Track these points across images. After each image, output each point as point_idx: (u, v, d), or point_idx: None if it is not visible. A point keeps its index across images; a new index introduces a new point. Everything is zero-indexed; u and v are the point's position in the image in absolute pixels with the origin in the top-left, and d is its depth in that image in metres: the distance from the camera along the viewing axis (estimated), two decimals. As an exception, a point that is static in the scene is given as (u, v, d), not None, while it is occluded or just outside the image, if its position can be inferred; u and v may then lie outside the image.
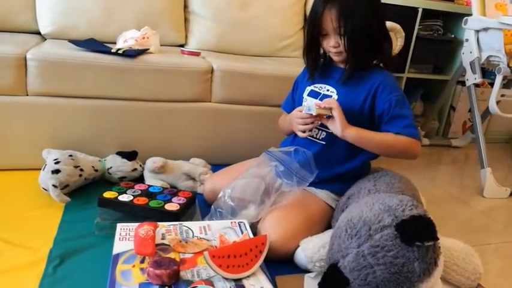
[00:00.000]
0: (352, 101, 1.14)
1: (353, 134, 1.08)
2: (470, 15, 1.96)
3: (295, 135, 1.20)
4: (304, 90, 1.24)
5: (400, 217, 0.85)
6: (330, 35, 1.10)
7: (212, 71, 1.57)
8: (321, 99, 1.16)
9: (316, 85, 1.22)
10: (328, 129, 1.12)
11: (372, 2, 1.10)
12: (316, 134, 1.20)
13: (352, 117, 1.11)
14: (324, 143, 1.18)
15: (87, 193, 1.32)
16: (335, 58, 1.16)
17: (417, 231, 0.82)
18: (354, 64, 1.12)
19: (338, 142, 1.14)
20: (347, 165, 1.19)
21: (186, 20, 1.94)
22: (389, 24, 1.58)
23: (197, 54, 1.69)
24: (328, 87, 1.18)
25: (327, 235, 1.08)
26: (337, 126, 1.07)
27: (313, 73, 1.21)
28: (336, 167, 1.20)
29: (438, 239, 0.83)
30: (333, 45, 1.11)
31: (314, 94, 1.21)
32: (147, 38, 1.59)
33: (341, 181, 1.20)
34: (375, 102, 1.12)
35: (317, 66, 1.21)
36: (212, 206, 1.15)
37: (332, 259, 0.90)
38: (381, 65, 1.18)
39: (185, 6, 1.94)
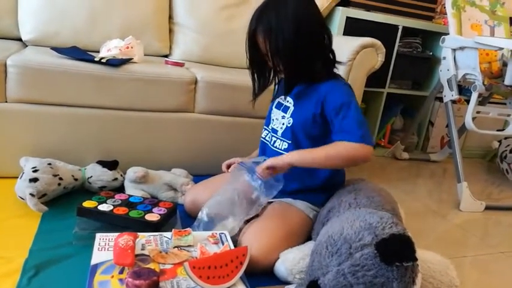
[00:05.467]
0: (305, 111, 1.17)
1: (294, 157, 1.11)
2: (448, 34, 2.03)
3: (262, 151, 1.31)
4: (274, 102, 1.28)
5: (380, 235, 0.86)
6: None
7: (196, 82, 1.58)
8: (282, 110, 1.23)
9: (282, 97, 1.26)
10: (287, 139, 1.20)
11: (298, 21, 1.07)
12: (280, 145, 1.22)
13: (307, 126, 1.16)
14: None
15: (65, 202, 1.30)
16: (283, 75, 1.19)
17: (397, 251, 0.83)
18: (291, 78, 1.16)
19: None
20: (317, 175, 1.21)
21: (170, 31, 1.95)
22: (370, 40, 1.63)
23: (181, 64, 1.70)
24: (288, 98, 1.23)
25: (307, 247, 1.09)
26: (278, 161, 1.11)
27: (258, 93, 1.25)
28: (306, 178, 1.21)
29: (417, 259, 0.84)
30: None
31: (278, 105, 1.26)
32: (131, 47, 1.59)
33: (317, 191, 1.22)
34: (324, 109, 1.14)
35: (261, 85, 1.24)
36: (195, 223, 1.15)
37: (312, 276, 0.91)
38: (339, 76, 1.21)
39: (170, 17, 1.95)
